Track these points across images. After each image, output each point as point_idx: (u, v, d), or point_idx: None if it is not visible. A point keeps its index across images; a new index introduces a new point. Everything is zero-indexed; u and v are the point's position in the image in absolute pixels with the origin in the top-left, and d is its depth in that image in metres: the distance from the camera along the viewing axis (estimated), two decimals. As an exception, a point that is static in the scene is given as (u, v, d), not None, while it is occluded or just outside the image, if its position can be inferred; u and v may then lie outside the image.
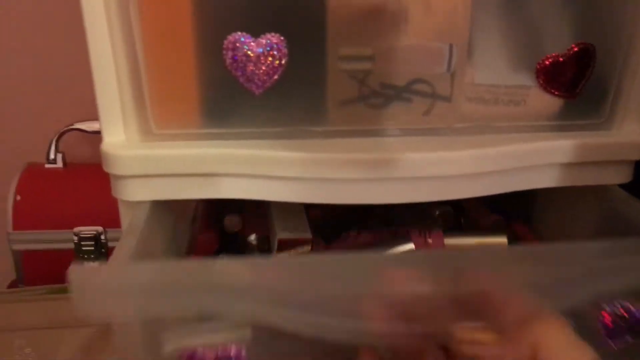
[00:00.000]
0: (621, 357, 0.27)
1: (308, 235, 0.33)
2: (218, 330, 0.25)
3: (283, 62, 0.27)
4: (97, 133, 0.58)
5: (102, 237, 0.56)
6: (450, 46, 0.27)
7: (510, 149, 0.29)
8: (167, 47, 0.27)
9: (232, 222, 0.37)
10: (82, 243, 0.55)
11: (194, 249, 0.37)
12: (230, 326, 0.25)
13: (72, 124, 0.59)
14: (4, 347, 0.49)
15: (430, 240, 0.34)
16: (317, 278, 0.23)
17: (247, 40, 0.26)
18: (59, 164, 0.58)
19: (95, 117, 0.59)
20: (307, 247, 0.34)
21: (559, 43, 0.28)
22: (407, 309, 0.22)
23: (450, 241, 0.35)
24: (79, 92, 0.63)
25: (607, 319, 0.27)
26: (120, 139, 0.28)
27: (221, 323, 0.25)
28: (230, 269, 0.23)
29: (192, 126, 0.28)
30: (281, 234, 0.34)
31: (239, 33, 0.26)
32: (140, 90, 0.27)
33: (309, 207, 0.36)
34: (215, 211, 0.38)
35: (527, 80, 0.29)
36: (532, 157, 0.29)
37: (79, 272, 0.22)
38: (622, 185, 0.31)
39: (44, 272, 0.57)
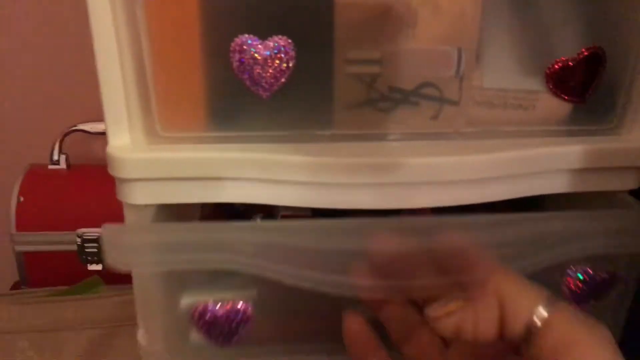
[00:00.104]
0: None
1: (308, 213, 0.34)
2: (229, 289, 0.29)
3: (290, 65, 0.27)
4: (101, 134, 0.59)
5: (106, 239, 0.55)
6: (459, 50, 0.27)
7: (518, 154, 0.29)
8: (174, 50, 0.27)
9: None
10: (86, 245, 0.55)
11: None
12: (239, 285, 0.29)
13: (76, 125, 0.59)
14: (6, 349, 0.49)
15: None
16: (312, 237, 0.26)
17: (255, 43, 0.26)
18: (63, 165, 0.58)
19: (98, 119, 0.59)
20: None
21: (569, 47, 0.28)
22: (388, 266, 0.25)
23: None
24: (83, 93, 0.63)
25: (572, 284, 0.31)
26: (126, 141, 0.28)
27: (231, 282, 0.29)
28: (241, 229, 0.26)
29: (198, 129, 0.28)
30: (284, 211, 0.34)
31: (246, 35, 0.26)
32: (147, 92, 0.27)
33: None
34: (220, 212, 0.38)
35: (536, 84, 0.28)
36: (541, 163, 0.29)
37: (110, 230, 0.27)
38: (631, 192, 0.31)
39: (47, 273, 0.57)
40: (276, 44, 0.26)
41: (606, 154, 0.29)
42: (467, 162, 0.28)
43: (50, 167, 0.58)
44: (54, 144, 0.58)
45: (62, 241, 0.55)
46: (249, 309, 0.30)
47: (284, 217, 0.34)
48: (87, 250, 0.55)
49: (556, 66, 0.28)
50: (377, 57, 0.27)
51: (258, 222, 0.33)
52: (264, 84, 0.27)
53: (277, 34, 0.26)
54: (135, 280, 0.29)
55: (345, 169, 0.27)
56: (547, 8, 0.27)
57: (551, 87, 0.28)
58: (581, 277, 0.31)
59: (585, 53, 0.28)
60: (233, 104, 0.28)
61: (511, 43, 0.28)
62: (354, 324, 0.27)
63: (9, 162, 0.61)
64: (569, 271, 0.31)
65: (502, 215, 0.26)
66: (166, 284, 0.28)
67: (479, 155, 0.28)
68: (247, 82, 0.27)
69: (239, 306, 0.29)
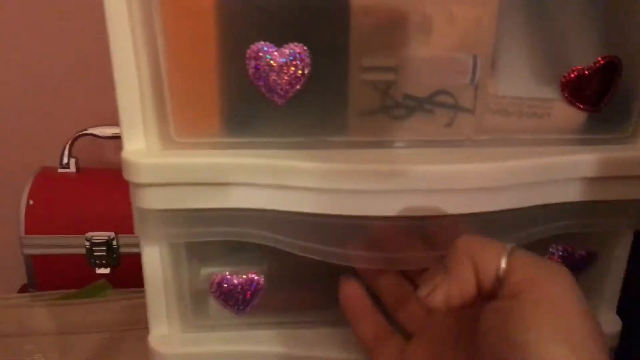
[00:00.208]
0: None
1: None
2: (243, 263, 0.32)
3: (306, 72, 0.27)
4: (110, 138, 0.59)
5: (114, 242, 0.55)
6: (474, 57, 0.27)
7: (532, 162, 0.29)
8: (190, 56, 0.27)
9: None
10: (94, 248, 0.55)
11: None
12: (252, 260, 0.32)
13: (86, 129, 0.59)
14: (14, 352, 0.49)
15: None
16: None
17: (270, 50, 0.26)
18: (72, 169, 0.58)
19: (108, 123, 0.59)
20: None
21: (585, 56, 0.28)
22: (382, 240, 0.29)
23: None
24: (93, 97, 0.63)
25: (553, 259, 0.33)
26: (141, 146, 0.28)
27: (246, 256, 0.32)
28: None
29: (213, 135, 0.28)
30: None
31: (262, 42, 0.26)
32: (162, 98, 0.27)
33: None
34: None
35: (551, 93, 0.28)
36: (555, 171, 0.29)
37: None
38: None
39: (55, 277, 0.57)
40: (292, 51, 0.26)
41: (621, 163, 0.29)
42: (480, 170, 0.28)
43: (60, 170, 0.58)
44: (64, 148, 0.58)
45: (70, 244, 0.56)
46: (262, 280, 0.32)
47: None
48: (95, 253, 0.56)
49: (572, 75, 0.28)
50: (392, 65, 0.27)
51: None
52: (279, 90, 0.27)
53: (292, 41, 0.26)
54: (162, 254, 0.31)
55: (359, 175, 0.27)
56: (562, 16, 0.27)
57: (566, 95, 0.28)
58: (562, 254, 0.33)
59: (601, 62, 0.28)
60: (248, 110, 0.28)
61: (527, 51, 0.28)
62: (349, 288, 0.30)
63: (19, 165, 0.61)
64: (551, 249, 0.33)
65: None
66: (188, 257, 0.31)
67: (493, 163, 0.28)
68: (263, 89, 0.27)
69: (253, 277, 0.32)
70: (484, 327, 0.22)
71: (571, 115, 0.29)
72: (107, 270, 0.56)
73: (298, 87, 0.27)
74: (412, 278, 0.30)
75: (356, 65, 0.27)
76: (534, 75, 0.28)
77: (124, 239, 0.56)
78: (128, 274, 0.56)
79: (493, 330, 0.21)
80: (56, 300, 0.51)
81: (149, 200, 0.28)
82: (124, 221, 0.56)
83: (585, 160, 0.29)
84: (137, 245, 0.56)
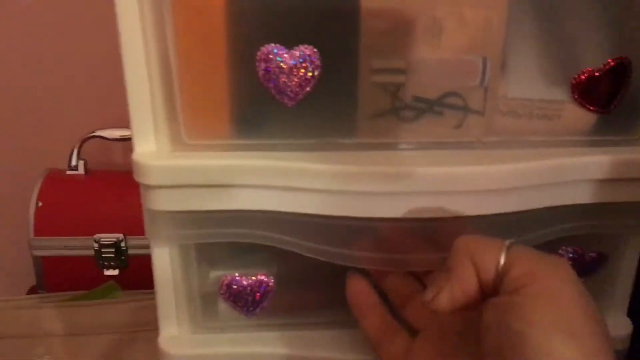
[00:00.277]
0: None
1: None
2: (252, 265, 0.32)
3: (316, 74, 0.27)
4: (118, 140, 0.59)
5: (123, 244, 0.56)
6: (484, 59, 0.27)
7: (542, 164, 0.29)
8: (201, 58, 0.27)
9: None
10: (103, 250, 0.56)
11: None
12: (261, 262, 0.32)
13: (94, 132, 0.59)
14: (23, 353, 0.49)
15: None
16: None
17: (281, 52, 0.26)
18: (81, 171, 0.59)
19: (116, 125, 0.60)
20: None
21: (595, 57, 0.28)
22: (389, 241, 0.29)
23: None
24: (101, 100, 0.64)
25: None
26: (151, 148, 0.29)
27: (255, 259, 0.32)
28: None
29: (223, 137, 0.28)
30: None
31: (273, 45, 0.26)
32: (173, 100, 0.27)
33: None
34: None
35: (561, 94, 0.28)
36: (565, 173, 0.29)
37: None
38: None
39: (64, 278, 0.57)
40: (302, 53, 0.27)
41: (631, 165, 0.29)
42: (490, 171, 0.28)
43: (69, 172, 0.59)
44: (72, 150, 0.59)
45: (79, 246, 0.56)
46: (271, 281, 0.32)
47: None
48: (104, 255, 0.56)
49: (582, 76, 0.28)
50: (402, 67, 0.27)
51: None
52: (289, 92, 0.27)
53: (303, 43, 0.26)
54: (172, 256, 0.31)
55: (368, 177, 0.27)
56: (572, 18, 0.27)
57: (576, 97, 0.28)
58: (571, 256, 0.33)
59: (612, 63, 0.28)
60: (258, 112, 0.28)
61: (536, 53, 0.28)
62: (356, 285, 0.31)
63: (27, 167, 0.61)
64: (560, 251, 0.33)
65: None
66: (197, 259, 0.31)
67: (502, 165, 0.28)
68: (273, 91, 0.27)
69: (262, 278, 0.32)
70: (485, 322, 0.22)
71: (581, 117, 0.29)
72: (115, 272, 0.56)
73: (308, 89, 0.27)
74: (419, 276, 0.31)
75: (366, 67, 0.27)
76: (544, 76, 0.28)
77: (132, 240, 0.56)
78: (136, 275, 0.56)
79: (494, 325, 0.21)
80: (65, 302, 0.51)
81: (159, 201, 0.28)
82: (132, 223, 0.56)
83: (595, 162, 0.29)
84: (146, 247, 0.56)
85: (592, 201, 0.30)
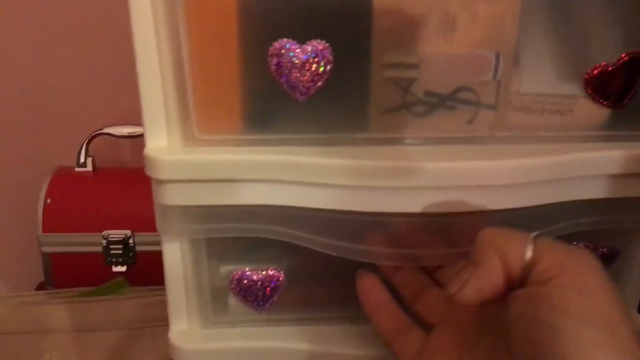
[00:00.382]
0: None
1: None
2: (263, 260, 0.32)
3: (328, 69, 0.27)
4: (126, 138, 0.59)
5: (131, 240, 0.56)
6: (497, 54, 0.27)
7: (555, 159, 0.28)
8: (213, 54, 0.27)
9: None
10: (111, 246, 0.56)
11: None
12: (272, 257, 0.32)
13: (102, 129, 0.60)
14: (31, 349, 0.49)
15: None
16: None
17: (293, 47, 0.26)
18: (89, 168, 0.59)
19: (124, 122, 0.60)
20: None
21: (609, 52, 0.28)
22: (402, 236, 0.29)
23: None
24: (108, 97, 0.64)
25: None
26: (163, 143, 0.29)
27: (265, 254, 0.32)
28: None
29: (235, 132, 0.28)
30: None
31: (285, 40, 0.26)
32: (185, 96, 0.27)
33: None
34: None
35: (574, 89, 0.28)
36: (577, 168, 0.29)
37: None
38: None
39: (72, 275, 0.58)
40: (314, 48, 0.26)
41: (644, 160, 0.29)
42: (502, 167, 0.28)
43: (77, 169, 0.59)
44: (80, 147, 0.59)
45: (87, 243, 0.56)
46: (282, 276, 0.32)
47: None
48: (112, 251, 0.56)
49: (595, 71, 0.28)
50: (415, 62, 0.27)
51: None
52: (301, 87, 0.27)
53: (315, 38, 0.26)
54: (182, 250, 0.31)
55: (380, 172, 0.27)
56: (586, 13, 0.27)
57: (590, 92, 0.28)
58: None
59: (625, 58, 0.28)
60: (270, 107, 0.28)
61: (550, 48, 0.28)
62: (367, 282, 0.31)
63: (36, 164, 0.62)
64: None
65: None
66: (208, 254, 0.31)
67: (515, 160, 0.28)
68: (285, 86, 0.27)
69: (272, 273, 0.32)
70: (514, 314, 0.22)
71: (594, 112, 0.29)
72: (123, 268, 0.57)
73: (320, 84, 0.27)
74: (430, 271, 0.31)
75: (378, 62, 0.27)
76: (557, 71, 0.28)
77: (140, 237, 0.56)
78: (144, 272, 0.56)
79: (524, 317, 0.21)
80: (73, 298, 0.52)
81: (170, 196, 0.28)
82: (140, 219, 0.56)
83: (607, 157, 0.29)
84: (154, 243, 0.57)
85: (605, 196, 0.30)
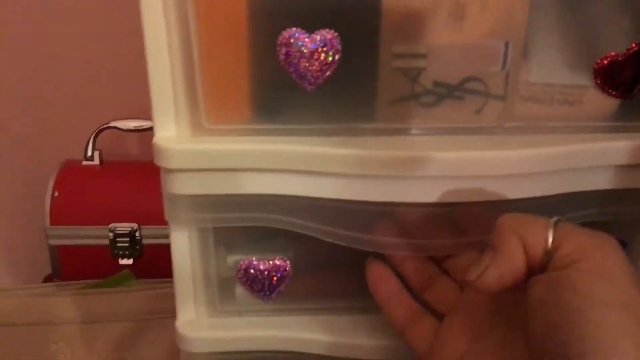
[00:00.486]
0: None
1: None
2: (270, 248, 0.32)
3: (336, 58, 0.27)
4: (133, 131, 0.60)
5: (137, 233, 0.56)
6: (506, 44, 0.27)
7: (563, 150, 0.28)
8: (222, 43, 0.27)
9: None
10: (118, 239, 0.56)
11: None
12: (278, 247, 0.33)
13: (109, 122, 0.60)
14: (39, 341, 0.49)
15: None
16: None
17: (302, 36, 0.26)
18: (96, 161, 0.59)
19: (130, 116, 0.60)
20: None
21: (618, 42, 0.27)
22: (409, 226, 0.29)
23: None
24: (115, 91, 0.64)
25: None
26: (172, 133, 0.29)
27: (271, 244, 0.33)
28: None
29: (243, 122, 0.28)
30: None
31: (294, 29, 0.26)
32: (194, 86, 0.28)
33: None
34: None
35: (584, 80, 0.28)
36: (586, 158, 0.29)
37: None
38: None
39: (79, 267, 0.58)
40: (323, 37, 0.27)
41: (654, 151, 0.29)
42: (510, 156, 0.28)
43: (84, 163, 0.59)
44: (88, 141, 0.59)
45: (94, 235, 0.56)
46: (288, 266, 0.32)
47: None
48: (118, 244, 0.56)
49: (605, 61, 0.28)
50: (423, 52, 0.27)
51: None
52: (309, 77, 0.27)
53: (324, 27, 0.26)
54: (190, 240, 0.31)
55: (388, 162, 0.27)
56: (595, 2, 0.27)
57: (599, 82, 0.28)
58: None
59: (635, 48, 0.27)
60: (278, 97, 0.28)
61: (559, 38, 0.28)
62: (376, 271, 0.30)
63: (44, 158, 0.62)
64: None
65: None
66: (215, 244, 0.32)
67: (522, 150, 0.28)
68: (293, 75, 0.27)
69: (279, 263, 0.32)
70: (534, 299, 0.22)
71: (603, 102, 0.29)
72: (130, 261, 0.57)
73: (328, 73, 0.27)
74: (438, 260, 0.31)
75: (386, 52, 0.27)
76: (566, 61, 0.28)
77: (146, 230, 0.57)
78: (150, 264, 0.57)
79: (546, 301, 0.21)
80: (81, 290, 0.52)
81: (179, 185, 0.28)
82: (146, 213, 0.56)
83: (616, 148, 0.29)
84: (160, 236, 0.57)
85: (613, 187, 0.30)
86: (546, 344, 0.21)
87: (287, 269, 0.32)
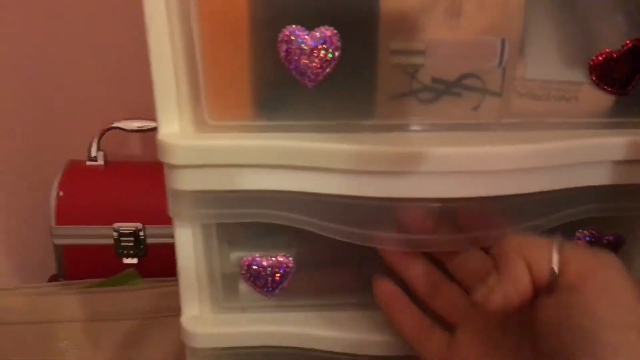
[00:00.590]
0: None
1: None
2: (273, 245, 0.33)
3: (336, 55, 0.27)
4: (136, 132, 0.60)
5: (141, 233, 0.57)
6: (503, 41, 0.28)
7: (559, 145, 0.29)
8: (223, 41, 0.27)
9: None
10: (122, 239, 0.57)
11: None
12: (281, 244, 0.33)
13: (112, 123, 0.61)
14: (44, 339, 0.50)
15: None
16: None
17: (302, 34, 0.27)
18: (100, 162, 0.60)
19: (133, 117, 0.61)
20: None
21: (613, 39, 0.28)
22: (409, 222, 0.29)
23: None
24: (119, 92, 0.65)
25: (580, 245, 0.33)
26: (175, 130, 0.29)
27: (274, 242, 0.33)
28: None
29: (244, 118, 0.29)
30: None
31: (294, 26, 0.27)
32: (196, 83, 0.28)
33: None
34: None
35: (579, 76, 0.29)
36: (582, 154, 0.29)
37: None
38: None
39: (83, 266, 0.59)
40: (322, 35, 0.27)
41: (649, 146, 0.29)
42: (507, 152, 0.28)
43: (89, 163, 0.60)
44: (92, 141, 0.60)
45: (99, 235, 0.57)
46: (291, 262, 0.33)
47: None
48: (123, 244, 0.57)
49: (600, 58, 0.28)
50: (421, 49, 0.28)
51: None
52: (309, 73, 0.28)
53: (323, 24, 0.27)
54: (194, 236, 0.32)
55: (387, 157, 0.28)
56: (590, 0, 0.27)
57: (594, 78, 0.29)
58: (589, 240, 0.33)
59: (630, 45, 0.28)
60: (279, 93, 0.29)
61: (555, 34, 0.28)
62: (383, 287, 0.31)
63: (49, 158, 0.63)
64: (578, 234, 0.33)
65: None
66: (219, 240, 0.32)
67: (519, 146, 0.28)
68: (294, 72, 0.28)
69: (282, 259, 0.33)
70: (545, 322, 0.22)
71: (599, 98, 0.29)
72: (134, 261, 0.58)
73: (328, 70, 0.28)
74: (443, 264, 0.31)
75: (385, 49, 0.28)
76: (562, 58, 0.28)
77: (150, 229, 0.57)
78: (154, 264, 0.57)
79: (557, 324, 0.22)
80: (86, 288, 0.52)
81: (183, 181, 0.29)
82: (150, 212, 0.57)
83: (612, 144, 0.29)
84: (164, 236, 0.58)
85: (610, 183, 0.30)
86: None
87: (290, 265, 0.33)
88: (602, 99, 0.29)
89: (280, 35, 0.27)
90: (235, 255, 0.33)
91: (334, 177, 0.29)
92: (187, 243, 0.32)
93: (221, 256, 0.33)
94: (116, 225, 0.57)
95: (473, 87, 0.29)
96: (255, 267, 0.33)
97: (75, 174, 0.59)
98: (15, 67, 0.65)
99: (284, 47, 0.27)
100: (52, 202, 0.57)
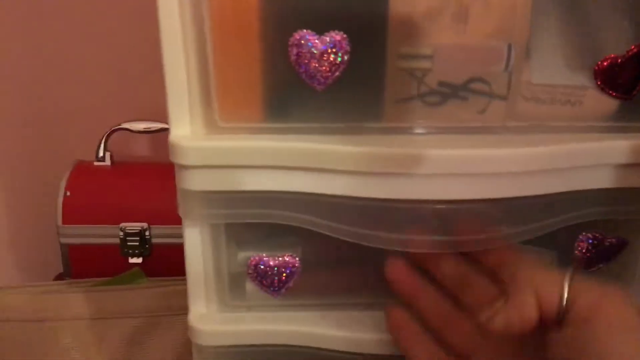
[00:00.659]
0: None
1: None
2: (280, 245, 0.33)
3: (345, 59, 0.28)
4: (142, 133, 0.61)
5: (147, 233, 0.57)
6: (509, 45, 0.28)
7: (564, 149, 0.29)
8: (235, 44, 0.28)
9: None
10: (128, 238, 0.57)
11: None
12: (288, 245, 0.33)
13: (119, 124, 0.61)
14: (49, 337, 0.50)
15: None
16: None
17: (312, 38, 0.27)
18: (107, 162, 0.60)
19: (140, 118, 0.61)
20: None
21: (618, 44, 0.28)
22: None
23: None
24: (125, 93, 0.66)
25: (583, 248, 0.34)
26: (186, 132, 0.30)
27: (281, 242, 0.33)
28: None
29: (255, 120, 0.29)
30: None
31: (304, 31, 0.27)
32: (208, 86, 0.29)
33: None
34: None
35: (584, 80, 0.29)
36: (587, 157, 0.30)
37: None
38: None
39: (89, 265, 0.59)
40: (332, 39, 0.28)
41: (653, 151, 0.30)
42: (512, 155, 0.29)
43: (96, 163, 0.60)
44: (99, 142, 0.61)
45: (105, 234, 0.57)
46: (297, 262, 0.33)
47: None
48: (129, 243, 0.57)
49: (605, 63, 0.28)
50: (429, 53, 0.28)
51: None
52: (319, 77, 0.28)
53: (333, 29, 0.27)
54: (203, 236, 0.32)
55: (394, 159, 0.28)
56: (596, 4, 0.28)
57: (599, 83, 0.29)
58: (591, 242, 0.34)
59: (635, 50, 0.28)
60: (288, 96, 0.29)
61: (560, 39, 0.28)
62: (396, 316, 0.30)
63: (57, 158, 0.63)
64: (581, 236, 0.34)
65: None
66: (227, 240, 0.33)
67: (525, 149, 0.29)
68: (303, 76, 0.28)
69: (288, 259, 0.33)
70: (557, 355, 0.23)
71: (604, 103, 0.30)
72: (139, 260, 0.58)
73: (337, 74, 0.28)
74: (453, 294, 0.30)
75: (393, 53, 0.28)
76: (567, 63, 0.29)
77: (156, 229, 0.57)
78: (159, 263, 0.58)
79: (568, 358, 0.22)
80: (92, 287, 0.53)
81: (193, 181, 0.29)
82: (156, 212, 0.57)
83: (616, 147, 0.30)
84: (169, 236, 0.58)
85: (614, 186, 0.30)
86: None
87: (297, 265, 0.33)
88: (607, 104, 0.30)
89: (291, 39, 0.27)
90: (242, 254, 0.33)
91: (342, 179, 0.29)
92: (196, 242, 0.32)
93: (229, 255, 0.33)
94: (122, 225, 0.57)
95: (479, 91, 0.29)
96: (262, 267, 0.33)
97: (83, 174, 0.59)
98: (24, 68, 0.66)
99: (295, 50, 0.27)
100: (59, 202, 0.57)
